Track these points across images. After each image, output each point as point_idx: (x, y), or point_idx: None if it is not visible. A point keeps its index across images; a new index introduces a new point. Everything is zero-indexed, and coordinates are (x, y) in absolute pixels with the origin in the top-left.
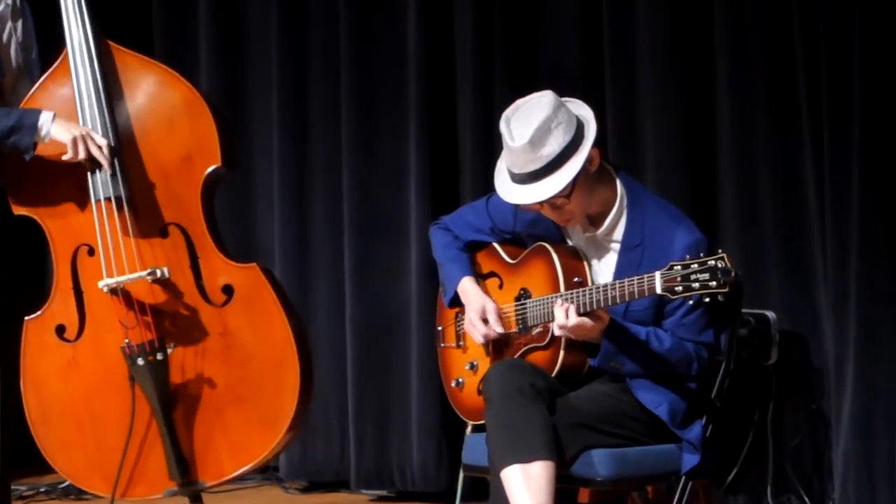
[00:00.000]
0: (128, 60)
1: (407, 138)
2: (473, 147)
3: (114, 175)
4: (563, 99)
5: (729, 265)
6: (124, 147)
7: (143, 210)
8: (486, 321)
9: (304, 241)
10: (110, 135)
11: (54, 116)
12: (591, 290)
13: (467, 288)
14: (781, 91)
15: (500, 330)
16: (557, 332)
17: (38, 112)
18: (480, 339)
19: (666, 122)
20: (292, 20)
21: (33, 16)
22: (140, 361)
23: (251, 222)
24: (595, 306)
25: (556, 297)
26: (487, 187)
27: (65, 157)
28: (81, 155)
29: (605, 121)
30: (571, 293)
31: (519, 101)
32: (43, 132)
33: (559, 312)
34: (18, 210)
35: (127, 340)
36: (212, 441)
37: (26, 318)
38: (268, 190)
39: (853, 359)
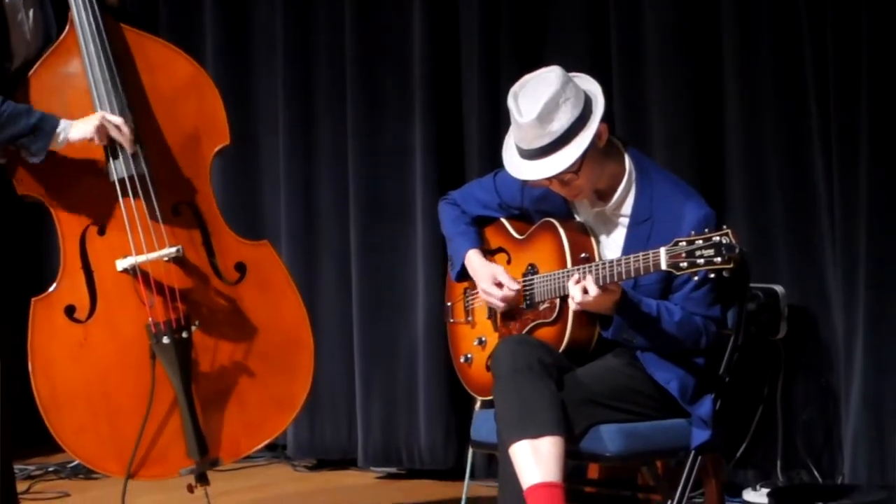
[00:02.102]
0: (135, 39)
1: (412, 117)
2: (479, 126)
3: (134, 154)
4: (571, 74)
5: (734, 241)
6: (137, 124)
7: (158, 189)
8: (499, 285)
9: (311, 221)
10: (126, 110)
11: (70, 124)
12: (597, 265)
13: (473, 260)
14: (789, 66)
15: (515, 286)
16: (573, 307)
17: (58, 119)
18: (500, 305)
19: (673, 99)
20: (298, 1)
21: (53, 8)
22: (166, 340)
23: (258, 203)
24: (601, 282)
25: (564, 273)
26: (493, 166)
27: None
28: (104, 141)
29: (612, 97)
30: (577, 269)
31: (527, 77)
32: (60, 139)
33: (575, 289)
34: (23, 190)
35: (151, 319)
36: (230, 419)
37: (33, 298)
38: (274, 171)
39: (862, 332)
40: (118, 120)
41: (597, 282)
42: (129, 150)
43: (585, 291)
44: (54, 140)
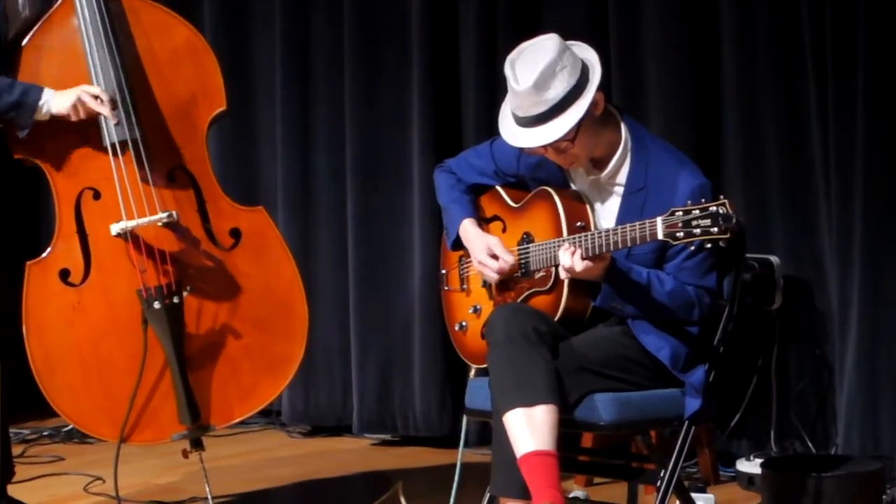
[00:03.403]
0: (132, 3)
1: (409, 83)
2: (476, 92)
3: (128, 118)
4: (569, 42)
5: (730, 211)
6: (133, 88)
7: (153, 153)
8: (495, 257)
9: (307, 186)
10: (121, 76)
11: (54, 93)
12: (593, 234)
13: (469, 230)
14: (786, 37)
15: (510, 259)
16: (563, 276)
17: (40, 90)
18: (494, 277)
19: (670, 69)
20: None
21: None
22: (157, 305)
23: (254, 168)
24: (597, 251)
25: (559, 241)
26: (490, 132)
27: (72, 118)
28: (82, 116)
29: (609, 67)
30: (573, 238)
31: (524, 44)
32: (43, 110)
33: (565, 256)
34: (19, 153)
35: (142, 284)
36: (222, 384)
37: (28, 262)
38: (271, 136)
39: (857, 304)
40: (95, 90)
41: (592, 251)
42: (111, 120)
43: (574, 259)
44: (38, 112)
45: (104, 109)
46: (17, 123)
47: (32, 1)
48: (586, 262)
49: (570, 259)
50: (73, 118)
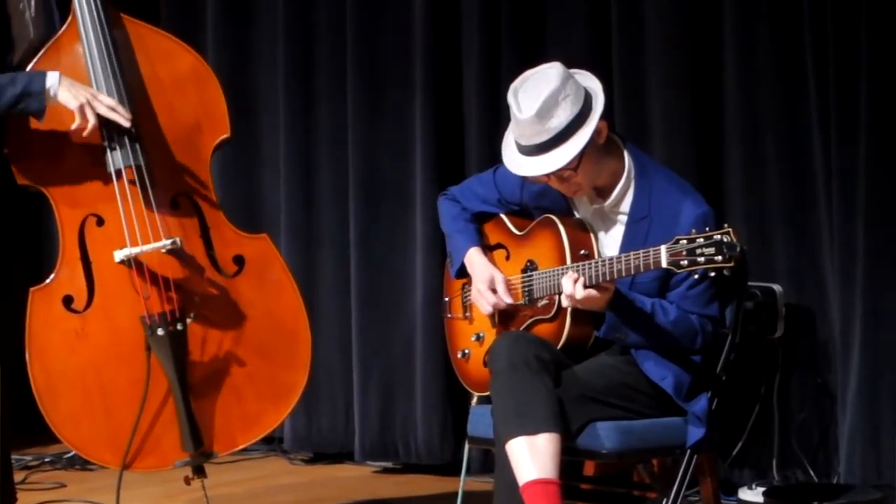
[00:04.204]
0: (137, 30)
1: (413, 107)
2: (479, 116)
3: (132, 144)
4: (572, 70)
5: (734, 240)
6: (137, 114)
7: (157, 180)
8: (494, 291)
9: (310, 209)
10: (124, 101)
11: (60, 77)
12: (597, 262)
13: (474, 259)
14: (788, 63)
15: (508, 300)
16: (565, 304)
17: (43, 75)
18: (489, 309)
19: (672, 95)
20: None
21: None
22: (160, 331)
23: (257, 191)
24: (601, 279)
25: (563, 269)
26: (493, 156)
27: (73, 126)
28: (91, 120)
29: (612, 93)
30: (577, 265)
31: (527, 73)
32: (52, 93)
33: (567, 283)
34: (23, 180)
35: (146, 311)
36: (225, 411)
37: (32, 288)
38: (274, 158)
39: (859, 332)
40: (111, 101)
41: (596, 279)
42: (126, 125)
43: (576, 287)
44: (47, 97)
45: (116, 116)
46: (28, 113)
47: (38, 23)
48: (588, 291)
49: (573, 287)
50: (79, 119)
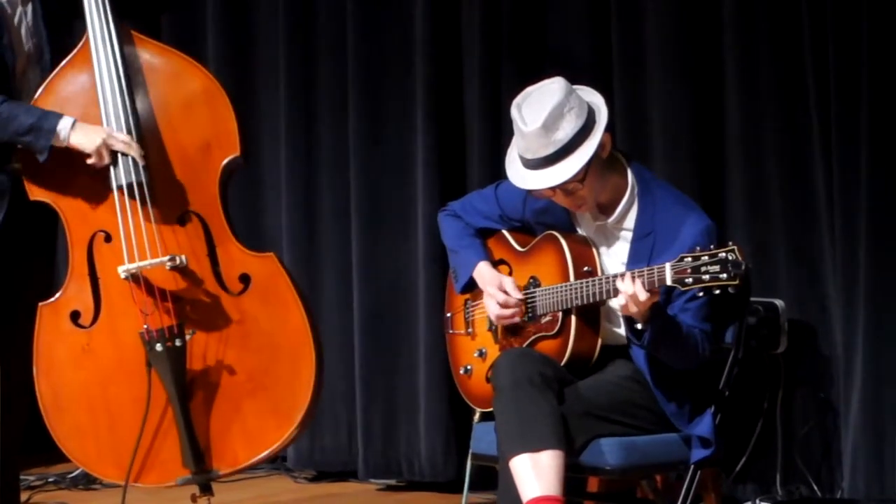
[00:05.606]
0: (148, 48)
1: (414, 127)
2: (481, 136)
3: (136, 162)
4: (574, 86)
5: (740, 257)
6: (145, 134)
7: (162, 197)
8: (504, 292)
9: (312, 229)
10: (131, 122)
11: (74, 123)
12: (600, 279)
13: (483, 271)
14: (789, 79)
15: (518, 296)
16: (617, 304)
17: (58, 117)
18: (497, 310)
19: (674, 110)
20: (299, 9)
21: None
22: (158, 347)
23: (259, 211)
24: (605, 297)
25: (566, 286)
26: (495, 175)
27: (89, 161)
28: (106, 160)
29: (613, 109)
30: (581, 282)
31: (530, 88)
32: (62, 137)
33: (627, 284)
34: (35, 195)
35: (146, 326)
36: (227, 429)
37: (40, 303)
38: (275, 179)
39: (862, 347)
40: (125, 137)
41: (597, 296)
42: (140, 163)
43: (637, 286)
44: (56, 139)
45: (131, 151)
46: (33, 148)
47: (32, 33)
48: (648, 293)
49: (633, 286)
50: (94, 160)
